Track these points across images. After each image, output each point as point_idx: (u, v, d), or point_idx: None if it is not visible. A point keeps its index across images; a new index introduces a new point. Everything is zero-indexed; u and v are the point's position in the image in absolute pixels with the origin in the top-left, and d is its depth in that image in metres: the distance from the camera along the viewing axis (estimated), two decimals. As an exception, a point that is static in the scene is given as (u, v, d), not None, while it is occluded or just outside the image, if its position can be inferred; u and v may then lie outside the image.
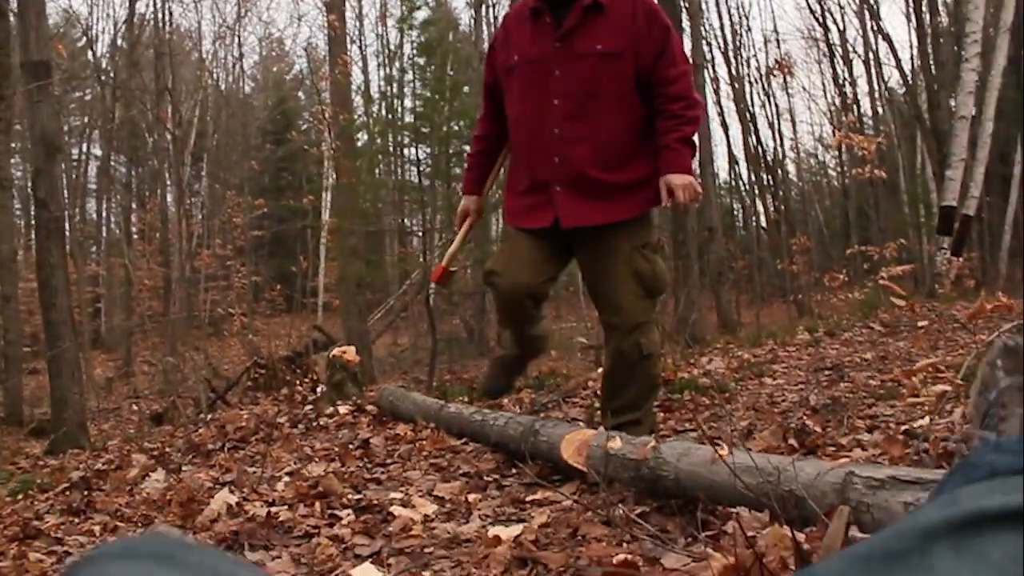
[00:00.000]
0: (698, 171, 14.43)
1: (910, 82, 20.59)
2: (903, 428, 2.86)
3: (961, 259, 10.51)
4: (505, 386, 3.70)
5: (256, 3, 33.00)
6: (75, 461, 5.88)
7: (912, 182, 21.53)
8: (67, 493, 4.13)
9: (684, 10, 14.25)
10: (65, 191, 12.31)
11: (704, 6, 19.85)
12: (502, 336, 3.77)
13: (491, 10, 21.12)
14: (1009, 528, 0.56)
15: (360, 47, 20.70)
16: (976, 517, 0.57)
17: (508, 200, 3.29)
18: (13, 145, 16.46)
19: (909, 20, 20.76)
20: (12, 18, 11.25)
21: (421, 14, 15.25)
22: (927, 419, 2.81)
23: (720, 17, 24.40)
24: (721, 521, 2.08)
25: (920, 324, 6.38)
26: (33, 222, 21.67)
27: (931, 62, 18.34)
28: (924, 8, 18.70)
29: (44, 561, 2.57)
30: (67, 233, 10.06)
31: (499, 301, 3.28)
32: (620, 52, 2.98)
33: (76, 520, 3.42)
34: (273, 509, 2.82)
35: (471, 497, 2.82)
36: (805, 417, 3.34)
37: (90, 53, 23.39)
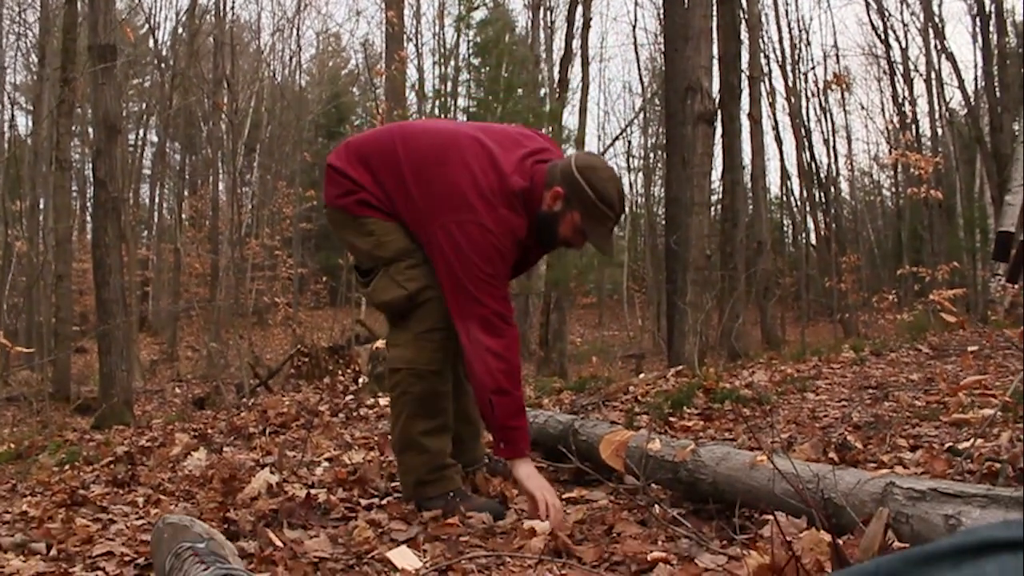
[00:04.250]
0: (749, 184, 14.33)
1: (972, 103, 20.24)
2: (947, 446, 2.83)
3: (1016, 286, 10.30)
4: (500, 501, 2.77)
5: (316, -2, 33.38)
6: (120, 437, 6.00)
7: (969, 206, 21.16)
8: (112, 466, 4.23)
9: (743, 22, 14.15)
10: (120, 174, 12.56)
11: (764, 18, 19.72)
12: (431, 449, 2.72)
13: (549, 13, 21.16)
14: (1010, 552, 0.58)
15: (416, 45, 20.82)
16: (984, 544, 0.60)
17: None
18: (72, 128, 16.85)
19: (975, 40, 20.51)
20: (80, 3, 11.55)
21: (479, 14, 15.32)
22: (972, 440, 2.77)
23: (779, 30, 24.18)
24: (757, 526, 2.07)
25: (970, 348, 6.26)
26: (89, 203, 22.18)
27: (996, 84, 18.01)
28: (991, 28, 18.37)
29: (90, 526, 2.63)
30: (121, 215, 10.24)
31: (444, 320, 2.67)
32: None
33: (120, 491, 3.50)
34: (312, 491, 2.86)
35: (508, 491, 2.84)
36: (847, 433, 3.31)
37: (151, 41, 23.88)
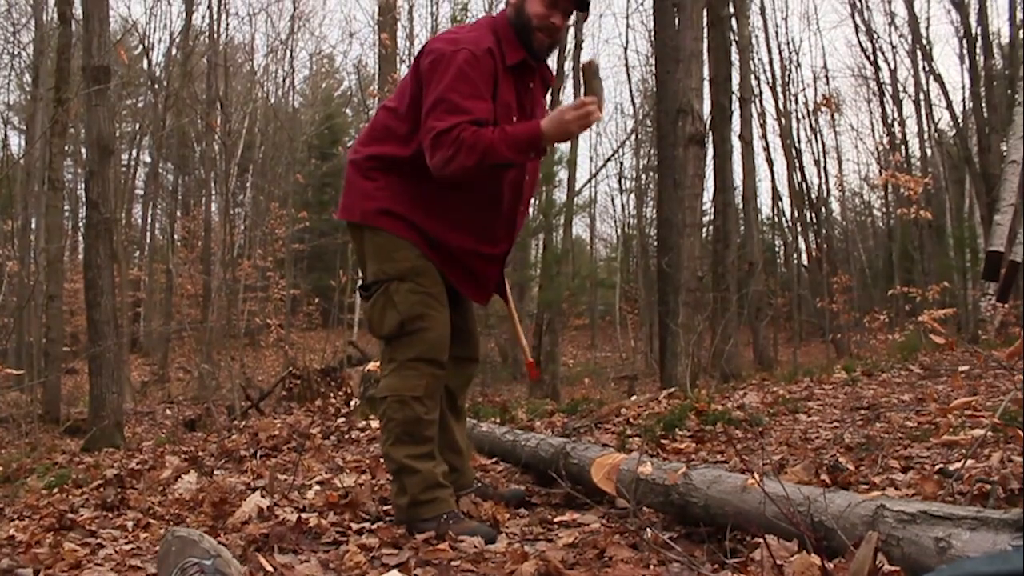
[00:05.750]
0: (740, 205, 14.39)
1: (961, 124, 20.38)
2: (938, 468, 2.83)
3: (1006, 306, 10.34)
4: (491, 525, 2.73)
5: (309, 20, 33.51)
6: (110, 459, 5.97)
7: (959, 225, 21.24)
8: (102, 489, 4.20)
9: (734, 43, 14.26)
10: (113, 195, 12.53)
11: (754, 40, 19.87)
12: (421, 473, 2.71)
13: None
14: None
15: (409, 66, 20.87)
16: None
17: (444, 232, 2.78)
18: (65, 148, 16.85)
19: (962, 61, 20.64)
20: (74, 25, 11.58)
21: (471, 36, 15.40)
22: (963, 461, 2.78)
23: (770, 52, 24.40)
24: (749, 550, 2.07)
25: (961, 369, 6.29)
26: (81, 224, 22.12)
27: (983, 104, 18.15)
28: (978, 50, 18.53)
29: (79, 551, 2.61)
30: (114, 236, 10.22)
31: (431, 353, 2.75)
32: None
33: (110, 515, 3.48)
34: (303, 515, 2.85)
35: (499, 515, 2.83)
36: (839, 454, 3.32)
37: (145, 61, 23.89)
